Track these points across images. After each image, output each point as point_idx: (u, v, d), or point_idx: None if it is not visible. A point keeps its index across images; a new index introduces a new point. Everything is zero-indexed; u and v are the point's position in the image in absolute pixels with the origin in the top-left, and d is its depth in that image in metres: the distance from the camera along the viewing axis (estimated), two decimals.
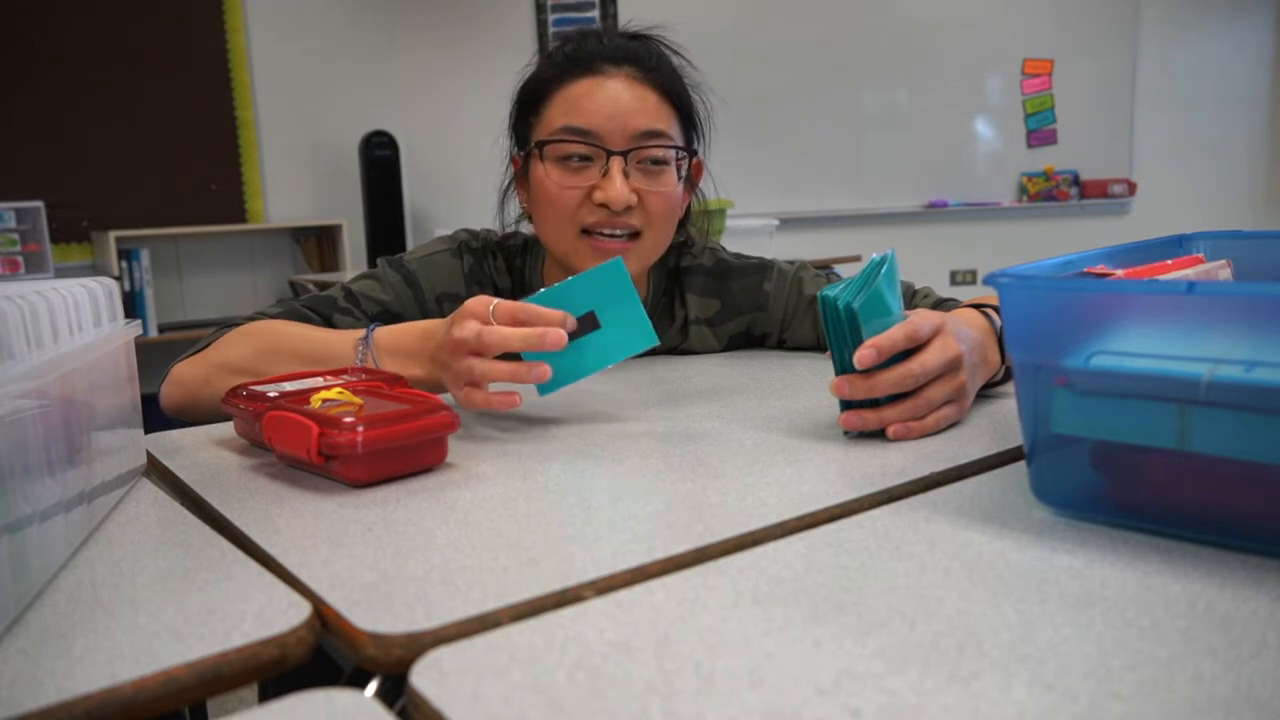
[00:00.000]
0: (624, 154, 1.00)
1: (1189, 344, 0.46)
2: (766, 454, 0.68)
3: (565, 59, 1.04)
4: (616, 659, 0.38)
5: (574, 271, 1.03)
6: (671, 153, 1.02)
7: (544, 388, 0.81)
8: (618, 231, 1.01)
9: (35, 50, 3.81)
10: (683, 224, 1.15)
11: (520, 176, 1.10)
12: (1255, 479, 0.45)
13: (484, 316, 0.77)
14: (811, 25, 4.79)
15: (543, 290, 0.81)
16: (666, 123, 1.02)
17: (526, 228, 1.16)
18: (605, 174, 1.00)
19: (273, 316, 0.99)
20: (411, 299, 1.06)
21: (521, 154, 1.08)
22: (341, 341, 0.90)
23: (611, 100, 1.00)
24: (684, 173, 1.06)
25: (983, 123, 5.00)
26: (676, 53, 1.09)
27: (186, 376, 0.92)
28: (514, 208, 1.15)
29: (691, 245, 1.18)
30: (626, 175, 1.00)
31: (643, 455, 0.69)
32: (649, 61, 1.04)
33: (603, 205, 0.99)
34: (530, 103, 1.06)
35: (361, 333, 0.90)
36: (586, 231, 1.01)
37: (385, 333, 0.89)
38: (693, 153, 1.08)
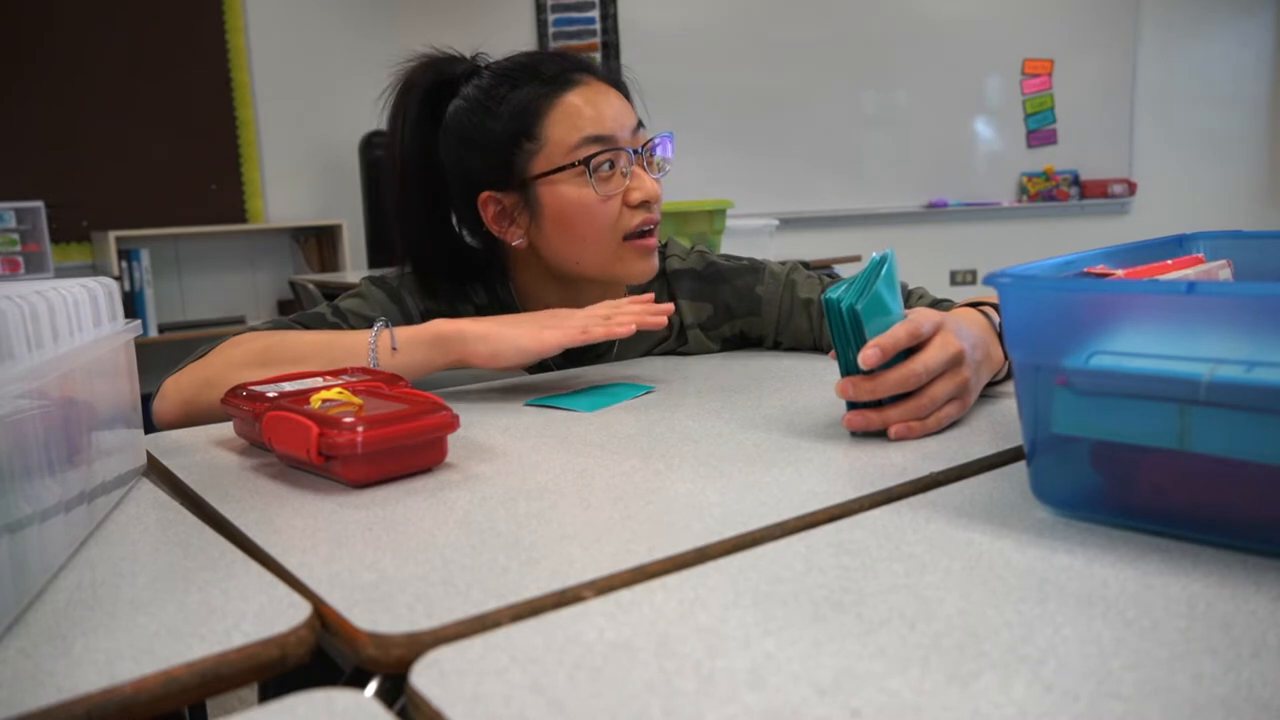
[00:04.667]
0: (640, 150, 1.03)
1: (1189, 344, 0.46)
2: (766, 454, 0.68)
3: (532, 78, 1.00)
4: (616, 659, 0.38)
5: (610, 280, 1.06)
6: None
7: (590, 404, 0.89)
8: (649, 227, 1.04)
9: (35, 50, 3.81)
10: None
11: (506, 213, 1.03)
12: (1255, 479, 0.45)
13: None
14: (811, 25, 4.79)
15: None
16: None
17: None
18: (629, 174, 1.01)
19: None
20: (398, 314, 1.06)
21: (510, 189, 1.02)
22: (353, 334, 0.93)
23: (608, 103, 1.02)
24: None
25: (983, 123, 4.99)
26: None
27: (183, 384, 0.91)
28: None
29: (672, 246, 1.19)
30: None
31: (643, 455, 0.69)
32: (598, 67, 1.06)
33: (642, 204, 1.02)
34: (520, 132, 1.00)
35: (373, 329, 0.92)
36: (626, 238, 1.03)
37: (405, 329, 0.93)
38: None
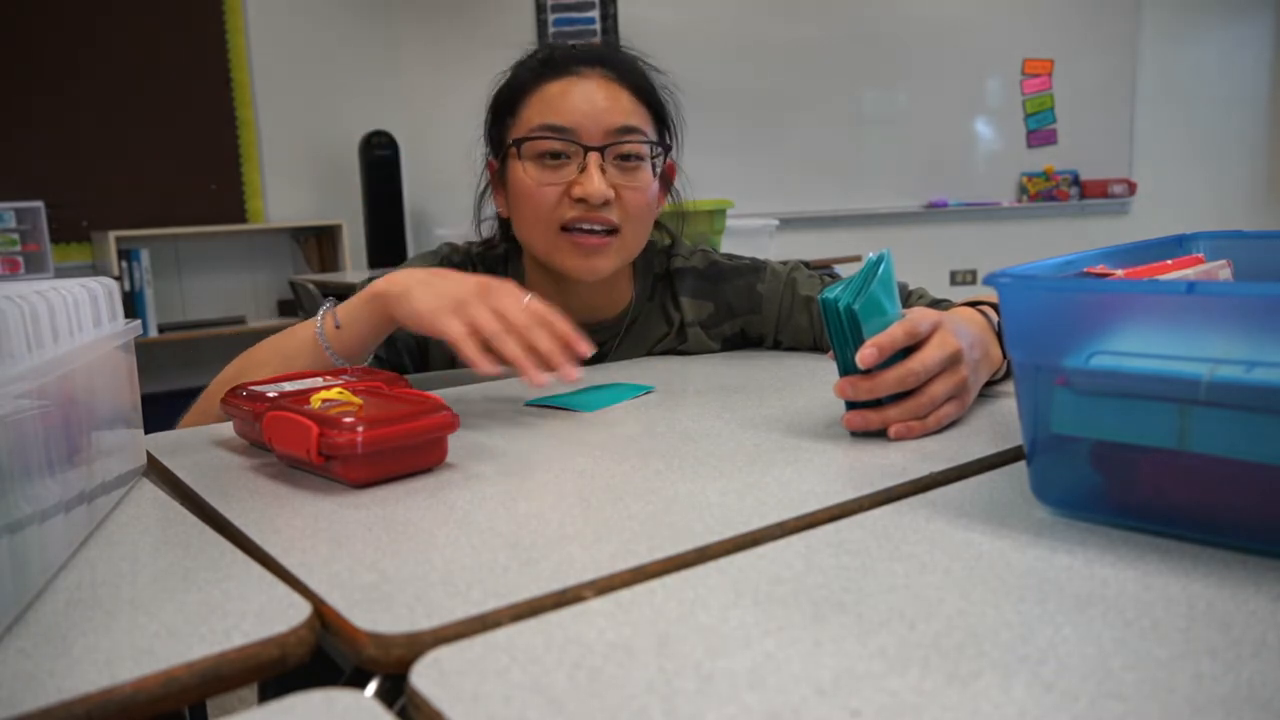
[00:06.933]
0: (600, 149, 1.01)
1: (1189, 344, 0.46)
2: (766, 454, 0.68)
3: (539, 63, 1.05)
4: (616, 659, 0.38)
5: (554, 271, 1.05)
6: (646, 149, 1.04)
7: (590, 403, 0.87)
8: (596, 227, 1.01)
9: (36, 50, 3.81)
10: (661, 225, 1.16)
11: (496, 181, 1.11)
12: (1255, 479, 0.45)
13: (517, 298, 0.81)
14: (811, 26, 4.79)
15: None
16: (641, 120, 1.04)
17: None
18: (583, 170, 1.01)
19: None
20: None
21: (498, 158, 1.09)
22: (300, 324, 0.93)
23: (587, 98, 1.02)
24: (659, 170, 1.07)
25: (983, 123, 5.00)
26: (642, 59, 1.09)
27: (187, 426, 0.91)
28: (488, 211, 1.15)
29: (678, 247, 1.18)
30: (604, 171, 1.01)
31: (643, 455, 0.69)
32: (621, 63, 1.06)
33: (581, 200, 1.00)
34: (506, 106, 1.07)
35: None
36: (565, 229, 1.02)
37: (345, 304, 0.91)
38: (666, 148, 1.09)
